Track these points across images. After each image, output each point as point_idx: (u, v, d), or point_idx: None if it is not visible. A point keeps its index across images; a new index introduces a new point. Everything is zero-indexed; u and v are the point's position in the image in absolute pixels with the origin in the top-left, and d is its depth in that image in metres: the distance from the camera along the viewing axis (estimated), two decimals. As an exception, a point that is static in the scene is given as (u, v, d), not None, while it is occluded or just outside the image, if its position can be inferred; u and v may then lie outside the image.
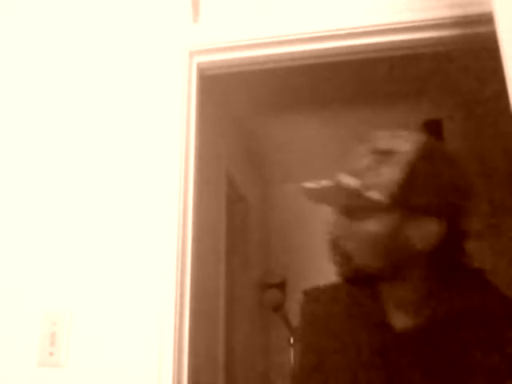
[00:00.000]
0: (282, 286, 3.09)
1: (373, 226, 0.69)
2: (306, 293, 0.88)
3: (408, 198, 0.67)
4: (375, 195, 0.66)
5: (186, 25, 1.21)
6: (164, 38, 1.21)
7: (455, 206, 0.69)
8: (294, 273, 3.13)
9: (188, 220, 1.11)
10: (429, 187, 0.67)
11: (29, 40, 1.30)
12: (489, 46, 0.86)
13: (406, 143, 0.68)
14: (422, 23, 1.09)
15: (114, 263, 1.08)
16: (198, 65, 1.23)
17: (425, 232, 0.68)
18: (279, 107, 2.41)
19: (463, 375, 0.65)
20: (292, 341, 3.06)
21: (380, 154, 0.69)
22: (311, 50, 1.18)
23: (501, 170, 2.73)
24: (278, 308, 3.07)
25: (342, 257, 0.73)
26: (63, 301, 1.08)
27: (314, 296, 0.87)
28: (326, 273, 0.89)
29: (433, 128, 2.43)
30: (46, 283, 1.10)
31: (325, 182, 0.70)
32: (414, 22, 1.09)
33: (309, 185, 0.72)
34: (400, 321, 0.73)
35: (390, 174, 0.67)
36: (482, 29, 1.04)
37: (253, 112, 2.46)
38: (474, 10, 1.05)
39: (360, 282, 0.75)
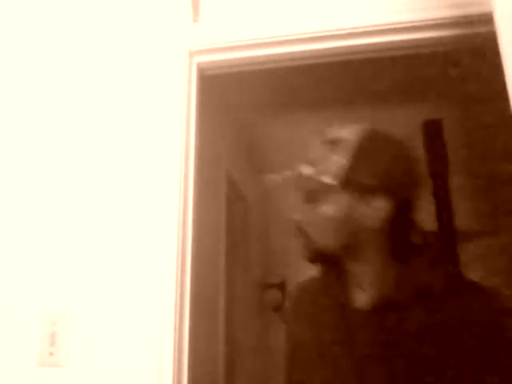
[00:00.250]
0: (282, 286, 3.09)
1: (328, 209, 0.77)
2: (295, 286, 0.97)
3: (356, 180, 0.75)
4: (326, 179, 0.76)
5: (185, 25, 1.21)
6: (164, 38, 1.21)
7: (401, 185, 0.77)
8: (294, 273, 3.13)
9: (188, 220, 1.11)
10: (374, 169, 0.75)
11: (29, 40, 1.30)
12: (489, 46, 0.86)
13: (350, 132, 0.78)
14: (422, 23, 1.09)
15: (114, 263, 1.08)
16: (198, 65, 1.23)
17: (375, 209, 0.75)
18: (279, 107, 2.41)
19: (421, 353, 0.70)
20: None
21: (331, 143, 0.78)
22: (311, 50, 1.18)
23: (501, 170, 2.72)
24: (278, 308, 3.07)
25: (305, 239, 0.80)
26: (63, 301, 1.08)
27: (298, 287, 0.96)
28: (314, 275, 0.93)
29: (433, 128, 2.44)
30: (46, 283, 1.10)
31: (288, 173, 0.81)
32: (414, 22, 1.09)
33: (273, 176, 0.83)
34: (361, 300, 0.79)
35: (338, 160, 0.76)
36: (482, 29, 1.04)
37: (253, 112, 2.46)
38: (474, 9, 1.05)
39: (322, 262, 0.82)
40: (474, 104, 2.21)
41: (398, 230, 0.78)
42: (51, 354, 1.04)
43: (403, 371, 0.70)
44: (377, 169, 0.76)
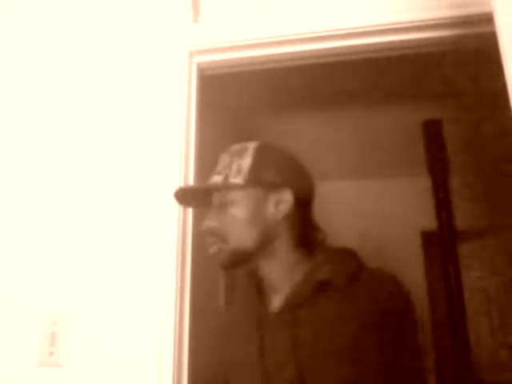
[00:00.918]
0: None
1: (238, 210, 0.83)
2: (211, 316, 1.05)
3: (259, 177, 0.84)
4: (234, 180, 0.83)
5: (186, 25, 1.21)
6: (164, 38, 1.21)
7: (298, 179, 0.87)
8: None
9: (188, 220, 1.11)
10: (273, 166, 0.85)
11: (30, 41, 1.30)
12: (489, 46, 0.86)
13: (250, 144, 0.88)
14: (422, 23, 1.09)
15: (113, 263, 1.08)
16: (198, 65, 1.23)
17: (280, 201, 0.83)
18: (279, 107, 2.41)
19: (335, 345, 0.75)
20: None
21: (235, 153, 0.87)
22: (311, 50, 1.18)
23: (500, 169, 2.73)
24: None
25: (222, 243, 0.84)
26: (63, 301, 1.08)
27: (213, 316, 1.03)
28: None
29: (433, 128, 2.44)
30: (46, 283, 1.10)
31: (194, 184, 0.91)
32: (413, 22, 1.09)
33: (183, 186, 0.91)
34: (276, 302, 0.84)
35: (242, 163, 0.85)
36: (482, 29, 1.04)
37: (253, 112, 2.46)
38: (474, 9, 1.05)
39: (236, 263, 0.86)
40: (474, 104, 2.21)
41: (302, 225, 0.86)
42: (51, 353, 1.04)
43: (320, 368, 0.74)
44: (275, 166, 0.86)
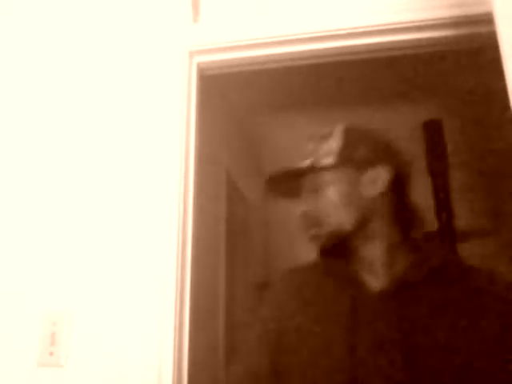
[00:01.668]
0: (282, 286, 3.09)
1: (332, 191, 0.81)
2: (282, 276, 0.93)
3: (350, 156, 0.81)
4: (325, 161, 0.81)
5: (186, 25, 1.21)
6: (164, 38, 1.21)
7: (392, 155, 0.84)
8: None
9: (188, 220, 1.11)
10: (364, 144, 0.83)
11: (29, 41, 1.30)
12: (489, 46, 0.86)
13: (335, 127, 0.86)
14: (422, 23, 1.09)
15: (114, 263, 1.08)
16: (198, 65, 1.23)
17: (375, 179, 0.80)
18: (279, 107, 2.41)
19: (433, 337, 0.70)
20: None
21: (319, 139, 0.85)
22: (311, 50, 1.18)
23: (501, 170, 2.73)
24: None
25: (316, 226, 0.82)
26: (63, 301, 1.08)
27: (288, 274, 0.92)
28: (303, 262, 0.93)
29: (433, 128, 2.43)
30: (46, 283, 1.10)
31: (285, 167, 0.85)
32: (413, 22, 1.09)
33: (273, 173, 0.86)
34: (373, 284, 0.79)
35: (330, 145, 0.82)
36: (482, 29, 1.04)
37: (253, 112, 2.46)
38: (473, 9, 1.05)
39: (334, 250, 0.82)
40: (474, 104, 2.21)
41: (399, 204, 0.83)
42: (51, 353, 1.04)
43: (421, 356, 0.70)
44: (366, 144, 0.83)
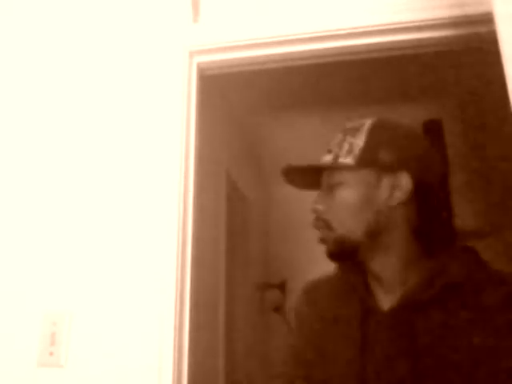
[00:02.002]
0: (282, 286, 3.10)
1: (348, 193, 0.75)
2: (305, 285, 0.91)
3: (373, 157, 0.74)
4: (344, 160, 0.75)
5: (185, 25, 1.21)
6: (164, 38, 1.21)
7: (420, 161, 0.75)
8: (293, 273, 3.13)
9: (188, 220, 1.11)
10: (390, 145, 0.75)
11: (29, 41, 1.30)
12: (489, 46, 0.86)
13: (364, 120, 0.79)
14: (422, 23, 1.09)
15: (114, 263, 1.08)
16: (198, 65, 1.23)
17: (396, 186, 0.73)
18: (279, 107, 2.41)
19: (449, 355, 0.65)
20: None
21: (348, 131, 0.78)
22: (311, 50, 1.18)
23: (500, 170, 2.72)
24: (278, 308, 3.07)
25: (326, 229, 0.77)
26: (63, 301, 1.08)
27: (310, 286, 0.90)
28: (325, 273, 0.90)
29: (433, 128, 2.43)
30: (46, 283, 1.10)
31: (302, 163, 0.80)
32: (413, 22, 1.09)
33: (292, 165, 0.81)
34: (384, 300, 0.74)
35: (353, 142, 0.76)
36: (482, 29, 1.04)
37: (253, 112, 2.46)
38: (473, 9, 1.05)
39: (343, 254, 0.77)
40: (474, 104, 2.21)
41: (423, 215, 0.75)
42: (51, 353, 1.04)
43: (429, 379, 0.65)
44: (393, 145, 0.75)
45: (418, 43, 1.14)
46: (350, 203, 0.75)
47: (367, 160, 0.74)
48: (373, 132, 0.76)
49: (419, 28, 1.10)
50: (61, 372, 1.03)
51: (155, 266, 1.06)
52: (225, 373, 1.91)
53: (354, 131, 0.77)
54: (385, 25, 1.11)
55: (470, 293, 0.68)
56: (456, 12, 1.06)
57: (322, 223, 0.78)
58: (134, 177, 1.14)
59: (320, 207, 0.78)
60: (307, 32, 1.14)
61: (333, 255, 0.78)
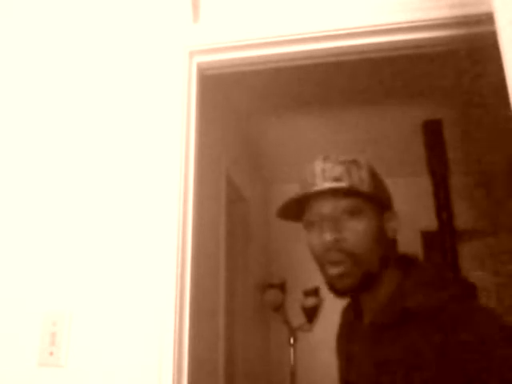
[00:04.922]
0: (282, 286, 3.10)
1: (366, 223, 0.75)
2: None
3: (378, 194, 0.78)
4: (362, 187, 0.75)
5: (186, 25, 1.21)
6: (164, 38, 1.21)
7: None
8: (293, 273, 3.13)
9: (188, 220, 1.11)
10: (383, 185, 0.82)
11: (29, 41, 1.30)
12: (489, 46, 0.86)
13: (356, 157, 0.81)
14: (422, 23, 1.09)
15: (114, 263, 1.08)
16: (198, 65, 1.23)
17: (392, 223, 0.80)
18: (279, 107, 2.41)
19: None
20: (292, 341, 3.06)
21: (349, 163, 0.78)
22: (311, 50, 1.18)
23: (500, 170, 2.72)
24: (278, 308, 3.07)
25: (351, 261, 0.74)
26: (63, 301, 1.08)
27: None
28: None
29: (433, 128, 2.43)
30: (46, 283, 1.10)
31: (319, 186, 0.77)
32: (413, 21, 1.09)
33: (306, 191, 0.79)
34: (365, 315, 0.81)
35: (362, 174, 0.77)
36: (482, 29, 1.04)
37: (253, 112, 2.46)
38: (473, 9, 1.05)
39: (360, 289, 0.77)
40: (474, 104, 2.21)
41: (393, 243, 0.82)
42: (51, 353, 1.04)
43: None
44: (384, 185, 0.82)
45: (418, 43, 1.14)
46: (368, 233, 0.75)
47: (378, 192, 0.78)
48: (370, 168, 0.80)
49: (419, 28, 1.10)
50: (61, 372, 1.03)
51: (155, 266, 1.06)
52: (225, 372, 1.91)
53: (355, 164, 0.78)
54: (384, 25, 1.11)
55: (428, 317, 0.69)
56: (456, 12, 1.06)
57: (345, 256, 0.73)
58: (134, 177, 1.14)
59: (341, 236, 0.74)
60: (307, 32, 1.14)
61: (347, 292, 0.77)
